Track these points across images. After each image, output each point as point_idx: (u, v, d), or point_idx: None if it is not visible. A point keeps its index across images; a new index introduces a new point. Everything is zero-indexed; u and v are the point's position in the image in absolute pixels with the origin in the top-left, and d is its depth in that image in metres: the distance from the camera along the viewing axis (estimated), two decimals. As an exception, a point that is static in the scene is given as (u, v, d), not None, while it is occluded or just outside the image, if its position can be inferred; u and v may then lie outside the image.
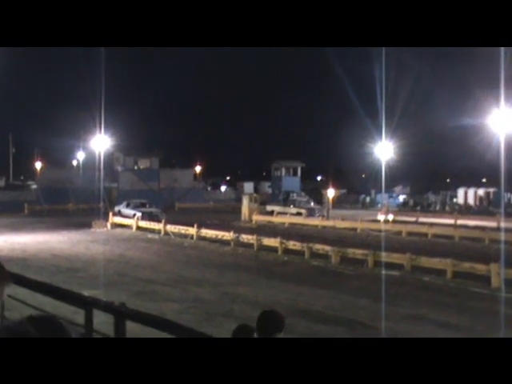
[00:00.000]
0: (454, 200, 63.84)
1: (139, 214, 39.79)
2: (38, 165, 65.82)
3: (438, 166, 68.95)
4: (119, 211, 42.92)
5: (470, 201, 61.97)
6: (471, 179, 61.63)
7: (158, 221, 36.01)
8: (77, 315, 4.83)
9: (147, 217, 39.17)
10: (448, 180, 74.23)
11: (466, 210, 55.80)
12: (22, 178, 79.60)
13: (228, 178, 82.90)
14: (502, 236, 28.24)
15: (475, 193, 62.10)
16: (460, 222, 40.98)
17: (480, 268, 21.00)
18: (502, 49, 24.34)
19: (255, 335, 4.09)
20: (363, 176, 75.13)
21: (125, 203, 44.05)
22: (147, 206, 44.09)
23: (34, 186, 61.09)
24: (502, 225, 34.35)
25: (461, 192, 63.31)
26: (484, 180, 72.32)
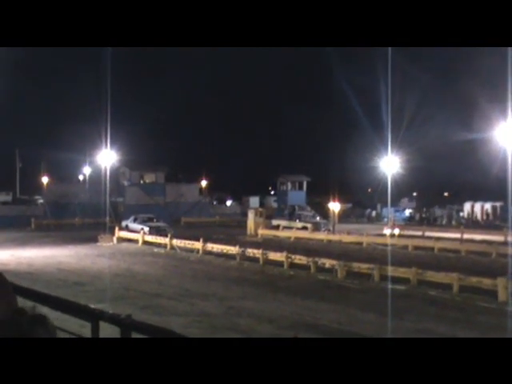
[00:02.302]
0: (461, 214, 63.62)
1: (147, 229, 39.84)
2: (45, 179, 66.09)
3: (444, 180, 68.86)
4: (127, 226, 42.99)
5: (477, 215, 61.76)
6: (478, 193, 61.36)
7: (166, 235, 36.02)
8: (84, 329, 4.86)
9: (155, 231, 39.20)
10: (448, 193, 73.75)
11: (472, 224, 55.61)
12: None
13: (235, 191, 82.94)
14: (510, 250, 28.10)
15: (482, 207, 61.88)
16: (466, 236, 40.84)
17: (487, 282, 20.89)
18: (510, 61, 24.31)
19: None
20: (369, 190, 75.08)
21: (132, 218, 44.12)
22: (154, 220, 44.15)
23: (41, 201, 61.31)
24: (509, 239, 34.19)
25: (467, 206, 63.12)
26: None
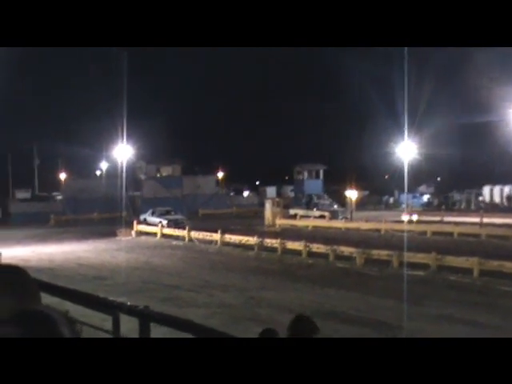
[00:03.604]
0: (480, 198, 63.00)
1: (165, 222, 40.00)
2: (63, 176, 66.62)
3: (462, 164, 68.22)
4: (145, 219, 43.18)
5: (496, 198, 61.07)
6: (496, 176, 60.61)
7: (184, 228, 36.14)
8: (106, 322, 4.92)
9: (173, 224, 39.32)
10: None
11: (491, 208, 55.09)
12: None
13: (252, 182, 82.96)
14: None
15: (501, 190, 61.15)
16: (486, 220, 40.44)
17: (508, 266, 20.73)
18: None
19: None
20: (386, 177, 74.70)
21: (150, 211, 44.29)
22: (172, 213, 44.28)
23: (60, 197, 61.81)
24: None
25: (486, 190, 62.41)
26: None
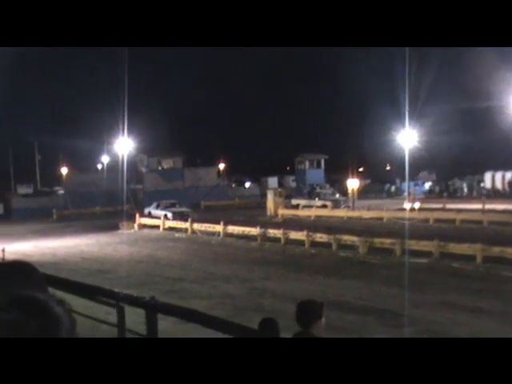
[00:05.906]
0: (482, 184, 62.86)
1: (170, 214, 39.94)
2: (64, 170, 66.64)
3: (464, 151, 68.04)
4: (149, 213, 43.08)
5: (498, 184, 60.91)
6: (498, 162, 60.39)
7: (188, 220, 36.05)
8: (109, 316, 4.93)
9: (178, 217, 39.24)
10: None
11: (493, 194, 54.98)
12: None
13: (253, 173, 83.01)
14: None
15: (503, 176, 60.97)
16: (488, 206, 40.37)
17: (510, 252, 20.74)
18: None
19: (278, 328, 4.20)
20: (387, 165, 74.62)
21: (155, 204, 44.15)
22: (177, 205, 44.17)
23: (61, 192, 61.85)
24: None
25: (488, 176, 62.21)
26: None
